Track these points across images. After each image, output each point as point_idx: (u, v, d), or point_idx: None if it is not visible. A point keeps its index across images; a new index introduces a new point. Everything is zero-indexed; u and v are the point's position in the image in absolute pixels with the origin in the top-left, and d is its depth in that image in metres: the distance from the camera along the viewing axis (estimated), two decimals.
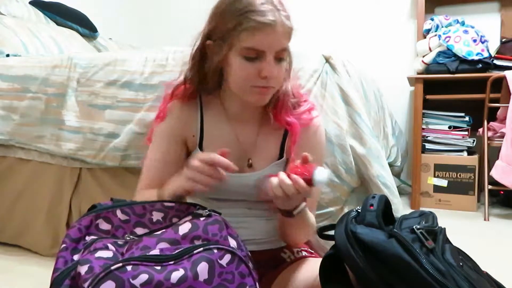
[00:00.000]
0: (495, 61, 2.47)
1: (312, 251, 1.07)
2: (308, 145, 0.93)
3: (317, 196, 1.06)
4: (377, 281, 0.63)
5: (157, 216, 0.75)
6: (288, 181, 0.74)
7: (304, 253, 1.02)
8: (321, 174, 0.73)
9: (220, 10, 0.85)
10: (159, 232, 0.68)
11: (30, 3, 2.58)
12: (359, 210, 0.72)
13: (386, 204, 0.74)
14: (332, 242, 0.72)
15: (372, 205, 0.71)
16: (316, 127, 0.98)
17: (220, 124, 0.96)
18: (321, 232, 0.81)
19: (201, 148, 0.96)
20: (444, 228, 0.74)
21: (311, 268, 0.91)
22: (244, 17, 0.80)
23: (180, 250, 0.62)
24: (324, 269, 0.74)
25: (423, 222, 0.70)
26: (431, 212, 0.78)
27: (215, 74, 0.91)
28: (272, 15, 0.80)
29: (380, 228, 0.66)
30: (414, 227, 0.67)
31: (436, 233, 0.70)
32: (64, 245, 0.69)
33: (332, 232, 0.74)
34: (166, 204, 0.76)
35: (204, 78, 0.92)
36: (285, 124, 0.94)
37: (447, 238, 0.75)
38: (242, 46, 0.82)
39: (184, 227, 0.66)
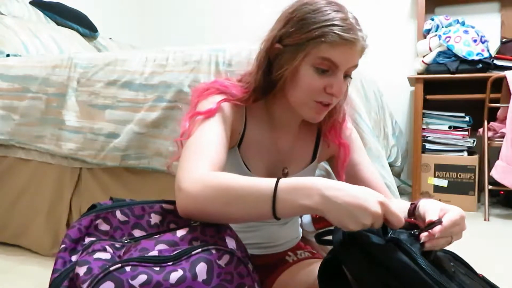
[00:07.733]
0: (495, 61, 2.47)
1: (315, 251, 1.07)
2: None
3: None
4: (376, 284, 0.63)
5: (155, 219, 0.74)
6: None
7: (307, 254, 1.03)
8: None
9: (299, 18, 0.82)
10: (156, 236, 0.68)
11: (30, 3, 2.58)
12: None
13: None
14: (330, 247, 0.72)
15: None
16: (350, 129, 1.02)
17: (261, 129, 0.94)
18: (319, 237, 0.81)
19: (238, 147, 0.92)
20: None
21: (311, 269, 0.91)
22: (329, 30, 0.79)
23: (178, 251, 0.62)
24: (323, 273, 0.74)
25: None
26: None
27: (283, 82, 0.86)
28: (355, 33, 0.81)
29: (377, 234, 0.67)
30: (412, 231, 0.67)
31: None
32: (63, 245, 0.68)
33: (329, 237, 0.74)
34: (165, 207, 0.76)
35: (270, 85, 0.88)
36: (338, 144, 0.97)
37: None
38: (319, 55, 0.80)
39: (182, 231, 0.67)
